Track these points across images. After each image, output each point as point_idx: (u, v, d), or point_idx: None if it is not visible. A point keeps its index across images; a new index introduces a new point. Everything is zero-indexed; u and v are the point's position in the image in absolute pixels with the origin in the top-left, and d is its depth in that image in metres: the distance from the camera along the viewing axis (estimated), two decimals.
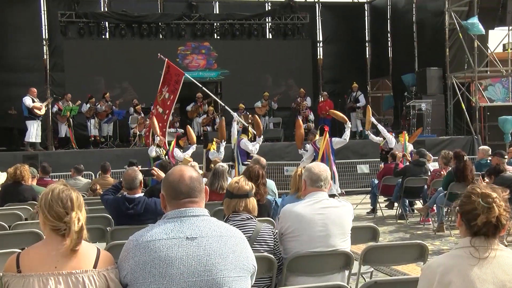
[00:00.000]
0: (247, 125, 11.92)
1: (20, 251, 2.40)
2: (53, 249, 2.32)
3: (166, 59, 12.20)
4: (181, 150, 11.34)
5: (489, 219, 2.20)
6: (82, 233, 2.35)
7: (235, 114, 11.91)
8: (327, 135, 10.35)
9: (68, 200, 2.37)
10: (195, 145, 11.26)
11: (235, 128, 11.40)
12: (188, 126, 12.88)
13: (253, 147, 10.72)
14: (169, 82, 11.71)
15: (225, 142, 11.22)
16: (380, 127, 11.61)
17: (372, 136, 11.62)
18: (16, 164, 6.96)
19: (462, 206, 2.29)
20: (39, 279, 2.24)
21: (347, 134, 10.42)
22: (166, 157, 10.50)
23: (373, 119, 11.59)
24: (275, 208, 5.32)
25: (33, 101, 13.67)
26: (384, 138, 11.62)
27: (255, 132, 11.25)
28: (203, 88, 13.18)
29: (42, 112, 13.92)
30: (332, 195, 10.50)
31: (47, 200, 2.37)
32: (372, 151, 13.71)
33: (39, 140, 14.07)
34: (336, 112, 11.78)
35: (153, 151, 10.81)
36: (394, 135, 11.51)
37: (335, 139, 10.49)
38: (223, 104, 12.63)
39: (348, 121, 10.85)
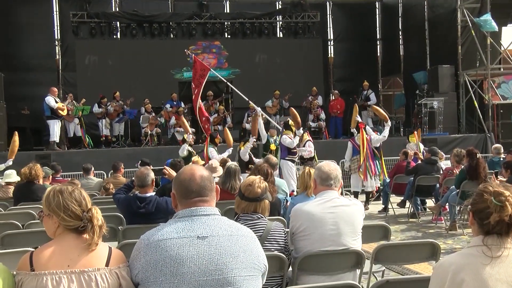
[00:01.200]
0: (272, 121, 11.88)
1: (33, 250, 2.42)
2: (66, 248, 2.35)
3: (193, 55, 12.33)
4: (216, 150, 11.26)
5: (502, 217, 2.18)
6: (103, 227, 2.43)
7: (258, 109, 11.93)
8: (365, 132, 10.98)
9: (81, 199, 2.44)
10: (231, 148, 11.14)
11: (261, 123, 11.41)
12: (226, 128, 12.79)
13: (290, 141, 10.76)
14: (194, 76, 11.75)
15: (255, 138, 11.01)
16: (367, 127, 11.62)
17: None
18: (29, 164, 7.02)
19: (474, 205, 2.27)
20: (52, 277, 2.26)
21: (386, 132, 11.13)
22: (197, 156, 10.45)
23: (358, 118, 11.65)
24: (285, 207, 5.31)
25: (55, 101, 13.89)
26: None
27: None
28: (228, 83, 13.09)
29: (65, 112, 14.17)
30: (368, 192, 10.84)
31: (59, 202, 2.40)
32: (384, 149, 13.59)
33: (57, 140, 14.27)
34: (379, 109, 12.11)
35: (184, 150, 10.79)
36: (379, 134, 11.55)
37: (374, 137, 11.11)
38: (247, 100, 12.59)
39: (388, 120, 11.33)
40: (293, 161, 10.82)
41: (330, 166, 3.87)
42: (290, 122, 11.16)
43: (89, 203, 2.46)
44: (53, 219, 2.41)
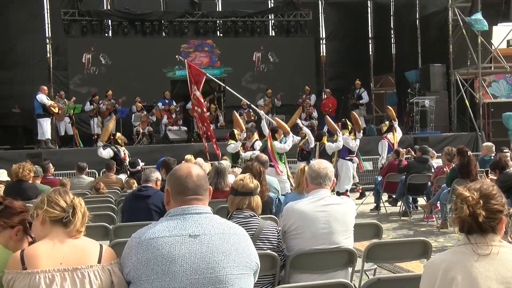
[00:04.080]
0: (274, 123, 11.94)
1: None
2: (57, 245, 2.35)
3: (186, 60, 12.30)
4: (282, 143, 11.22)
5: (461, 218, 2.22)
6: (86, 216, 2.47)
7: (261, 112, 11.95)
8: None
9: (66, 194, 2.48)
10: (291, 134, 11.02)
11: (265, 125, 11.41)
12: (275, 117, 12.65)
13: (354, 143, 11.21)
14: (196, 81, 11.70)
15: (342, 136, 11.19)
16: (305, 129, 11.75)
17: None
18: (19, 163, 6.98)
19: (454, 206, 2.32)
20: (45, 275, 2.25)
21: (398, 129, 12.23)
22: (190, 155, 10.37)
23: (298, 121, 11.83)
24: (278, 205, 5.32)
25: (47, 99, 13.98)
26: (303, 138, 11.71)
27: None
28: (227, 87, 13.04)
29: (57, 110, 14.15)
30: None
31: (43, 198, 2.45)
32: (376, 148, 13.65)
33: (50, 137, 14.22)
34: (391, 110, 12.99)
35: (237, 148, 10.71)
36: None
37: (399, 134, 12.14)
38: (248, 103, 12.67)
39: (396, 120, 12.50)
40: (351, 161, 11.28)
41: (320, 165, 3.87)
42: (349, 123, 11.60)
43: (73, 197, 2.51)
44: (38, 217, 2.42)
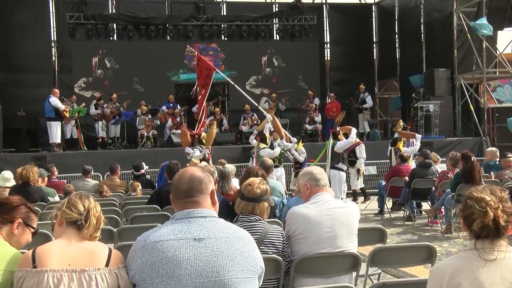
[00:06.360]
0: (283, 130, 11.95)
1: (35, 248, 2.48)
2: (68, 246, 2.39)
3: (196, 52, 12.22)
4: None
5: (485, 223, 2.20)
6: (100, 221, 2.53)
7: (268, 116, 11.95)
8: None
9: (85, 199, 2.55)
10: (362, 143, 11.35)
11: (267, 128, 11.39)
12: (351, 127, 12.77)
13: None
14: (199, 76, 11.51)
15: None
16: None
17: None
18: (25, 165, 6.99)
19: (462, 211, 2.31)
20: (53, 275, 2.28)
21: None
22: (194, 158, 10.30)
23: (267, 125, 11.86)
24: (282, 209, 5.31)
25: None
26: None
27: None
28: (235, 85, 12.92)
29: (68, 114, 14.21)
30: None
31: (64, 200, 2.56)
32: (380, 153, 13.62)
33: (59, 142, 14.25)
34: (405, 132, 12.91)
35: (275, 154, 10.64)
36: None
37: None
38: (256, 104, 12.67)
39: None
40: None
41: (317, 169, 3.98)
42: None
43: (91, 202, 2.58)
44: (58, 218, 2.51)
